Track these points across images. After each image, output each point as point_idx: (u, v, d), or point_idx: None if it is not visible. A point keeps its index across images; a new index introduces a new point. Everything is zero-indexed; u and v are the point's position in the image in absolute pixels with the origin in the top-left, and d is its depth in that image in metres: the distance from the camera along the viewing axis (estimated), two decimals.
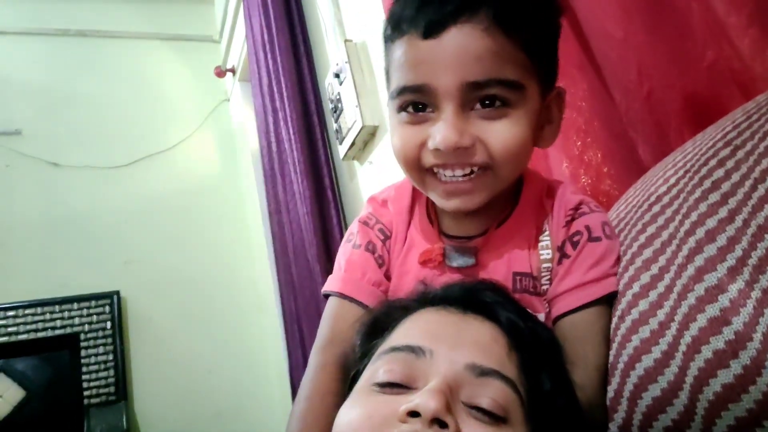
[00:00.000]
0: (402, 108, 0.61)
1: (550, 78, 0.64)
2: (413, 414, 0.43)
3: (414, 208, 0.70)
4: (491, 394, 0.46)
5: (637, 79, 0.99)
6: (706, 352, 0.47)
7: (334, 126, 2.07)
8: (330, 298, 0.69)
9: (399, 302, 0.59)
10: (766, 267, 0.44)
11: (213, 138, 3.32)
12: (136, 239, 2.92)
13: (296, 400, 0.60)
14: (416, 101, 0.60)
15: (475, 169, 0.60)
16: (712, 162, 0.55)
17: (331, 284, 0.69)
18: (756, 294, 0.44)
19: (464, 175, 0.60)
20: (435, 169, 0.61)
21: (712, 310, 0.47)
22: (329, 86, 2.07)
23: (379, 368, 0.49)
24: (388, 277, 0.69)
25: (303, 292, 2.18)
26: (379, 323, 0.57)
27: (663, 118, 0.97)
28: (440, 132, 0.58)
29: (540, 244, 0.66)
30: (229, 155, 3.32)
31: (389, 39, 0.63)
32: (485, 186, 0.61)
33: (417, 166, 0.62)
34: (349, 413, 0.48)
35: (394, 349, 0.50)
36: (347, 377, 0.56)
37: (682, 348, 0.49)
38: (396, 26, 0.61)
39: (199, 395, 2.77)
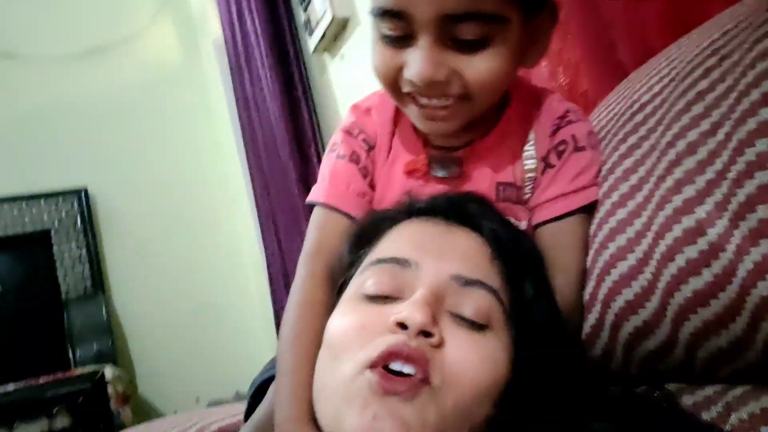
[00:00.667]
0: (381, 28, 0.59)
1: (539, 1, 0.60)
2: (401, 325, 0.45)
3: (398, 118, 0.69)
4: (474, 302, 0.48)
5: None
6: (680, 260, 0.49)
7: (303, 17, 1.98)
8: (315, 209, 0.69)
9: (385, 213, 0.59)
10: (745, 182, 0.45)
11: (172, 25, 3.15)
12: (102, 134, 2.84)
13: (287, 308, 0.62)
14: (395, 27, 0.57)
15: (452, 98, 0.59)
16: (698, 71, 0.55)
17: (315, 194, 0.69)
18: (732, 207, 0.46)
19: (440, 101, 0.59)
20: (412, 94, 0.60)
21: (688, 221, 0.49)
22: None
23: (367, 279, 0.51)
24: (372, 187, 0.69)
25: (276, 187, 2.18)
26: (365, 234, 0.58)
27: (645, 18, 0.95)
28: (415, 64, 0.56)
29: (525, 153, 0.66)
30: (191, 44, 3.17)
31: None
32: (462, 113, 0.60)
33: (395, 88, 0.61)
34: (341, 322, 0.50)
35: (381, 261, 0.51)
36: (335, 286, 0.58)
37: (657, 256, 0.51)
38: None
39: (177, 287, 2.83)
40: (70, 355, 2.47)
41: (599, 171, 0.63)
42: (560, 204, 0.62)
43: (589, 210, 0.62)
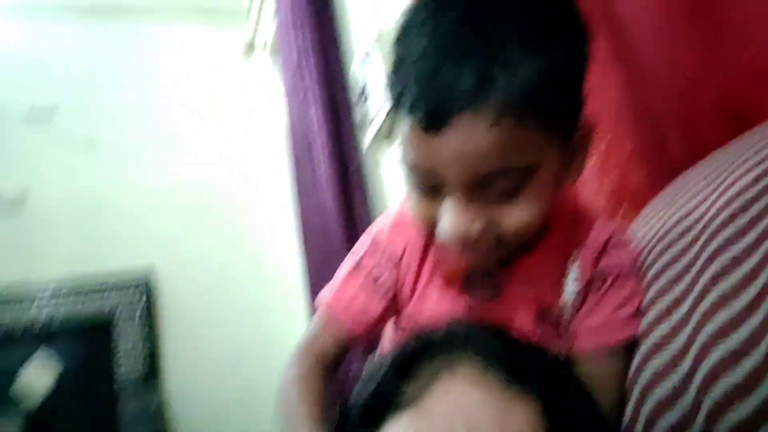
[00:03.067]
0: (411, 178, 0.57)
1: (574, 124, 0.56)
2: None
3: None
4: None
5: (670, 72, 0.96)
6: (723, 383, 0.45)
7: (361, 111, 2.06)
8: (321, 306, 0.70)
9: (436, 346, 0.51)
10: None
11: (244, 117, 3.33)
12: (168, 222, 2.96)
13: (283, 395, 0.63)
14: (425, 182, 0.56)
15: (488, 245, 0.56)
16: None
17: (324, 294, 0.70)
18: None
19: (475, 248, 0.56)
20: None
21: (726, 346, 0.45)
22: (357, 70, 2.04)
23: None
24: (395, 298, 0.67)
25: (329, 280, 2.18)
26: (411, 363, 0.50)
27: (697, 113, 0.93)
28: (447, 223, 0.54)
29: (567, 276, 0.62)
30: (258, 135, 3.32)
31: (391, 104, 0.57)
32: (499, 253, 0.58)
33: (432, 233, 0.58)
34: None
35: None
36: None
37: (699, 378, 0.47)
38: (396, 103, 0.54)
39: (230, 377, 2.81)
40: None
41: (641, 301, 0.60)
42: (602, 336, 0.59)
43: (629, 343, 0.58)
